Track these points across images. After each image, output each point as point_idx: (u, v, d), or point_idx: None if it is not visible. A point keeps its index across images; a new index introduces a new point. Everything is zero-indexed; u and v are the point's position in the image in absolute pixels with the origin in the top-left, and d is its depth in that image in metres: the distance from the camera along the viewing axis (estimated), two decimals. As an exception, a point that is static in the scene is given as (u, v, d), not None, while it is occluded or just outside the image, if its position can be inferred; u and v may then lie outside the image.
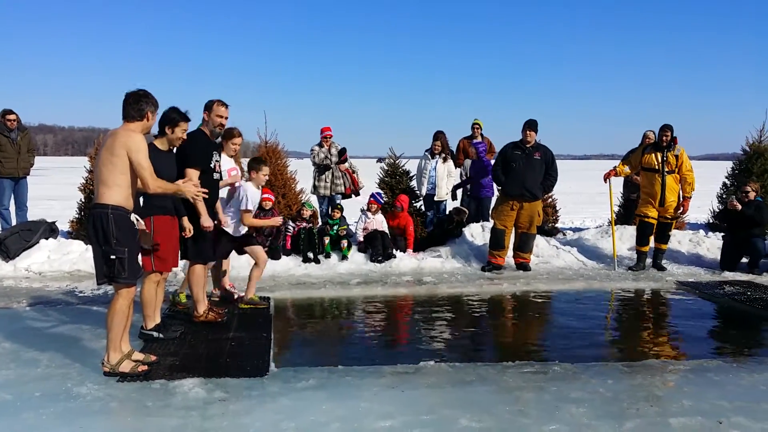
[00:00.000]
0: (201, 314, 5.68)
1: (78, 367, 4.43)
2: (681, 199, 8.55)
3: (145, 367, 4.36)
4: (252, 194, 5.92)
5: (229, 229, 6.00)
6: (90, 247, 8.20)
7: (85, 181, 9.47)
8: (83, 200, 9.41)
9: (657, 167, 8.45)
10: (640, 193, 8.87)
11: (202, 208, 5.31)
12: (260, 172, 6.03)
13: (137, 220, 4.37)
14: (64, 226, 9.62)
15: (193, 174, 5.22)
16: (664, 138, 8.43)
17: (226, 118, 5.67)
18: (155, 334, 5.11)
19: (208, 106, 5.63)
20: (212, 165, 5.56)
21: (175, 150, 5.18)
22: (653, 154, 8.51)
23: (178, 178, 4.92)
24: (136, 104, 4.24)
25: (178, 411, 3.68)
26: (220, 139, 5.86)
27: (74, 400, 3.83)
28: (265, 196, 8.77)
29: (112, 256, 4.15)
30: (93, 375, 4.25)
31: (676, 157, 8.43)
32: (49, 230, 8.84)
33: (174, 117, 4.93)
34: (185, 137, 5.05)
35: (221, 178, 5.79)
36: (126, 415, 3.67)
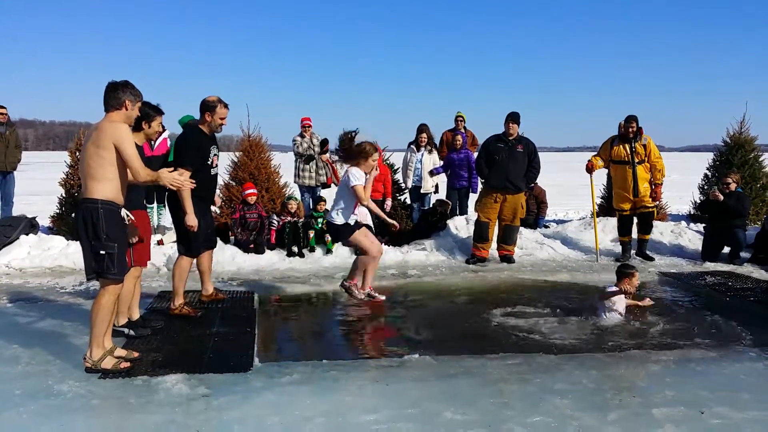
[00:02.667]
0: (176, 307, 5.68)
1: (59, 364, 4.38)
2: (653, 187, 8.62)
3: (128, 364, 4.31)
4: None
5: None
6: (71, 243, 8.20)
7: (66, 176, 9.35)
8: (64, 195, 9.30)
9: (626, 159, 8.52)
10: (613, 186, 8.95)
11: (188, 205, 5.32)
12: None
13: (127, 215, 4.33)
14: (44, 221, 9.50)
15: (185, 174, 5.14)
16: (631, 129, 8.50)
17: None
18: (126, 330, 5.06)
19: (211, 107, 5.55)
20: (209, 161, 5.58)
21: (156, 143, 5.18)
22: (621, 146, 8.59)
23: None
24: (114, 93, 4.19)
25: (161, 407, 3.65)
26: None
27: (55, 397, 3.79)
28: (249, 191, 8.73)
29: (102, 252, 4.11)
30: (75, 372, 4.20)
31: (644, 146, 8.51)
32: (30, 226, 8.73)
33: (149, 112, 4.95)
34: (159, 129, 5.13)
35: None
36: (108, 412, 3.64)
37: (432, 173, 10.18)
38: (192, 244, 5.65)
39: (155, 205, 9.29)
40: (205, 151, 5.55)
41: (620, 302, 5.79)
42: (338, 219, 5.79)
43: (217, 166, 5.72)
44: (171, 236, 8.58)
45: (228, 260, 8.20)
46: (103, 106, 4.23)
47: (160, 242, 8.40)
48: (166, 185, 4.39)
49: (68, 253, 8.08)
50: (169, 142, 9.19)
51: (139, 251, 5.00)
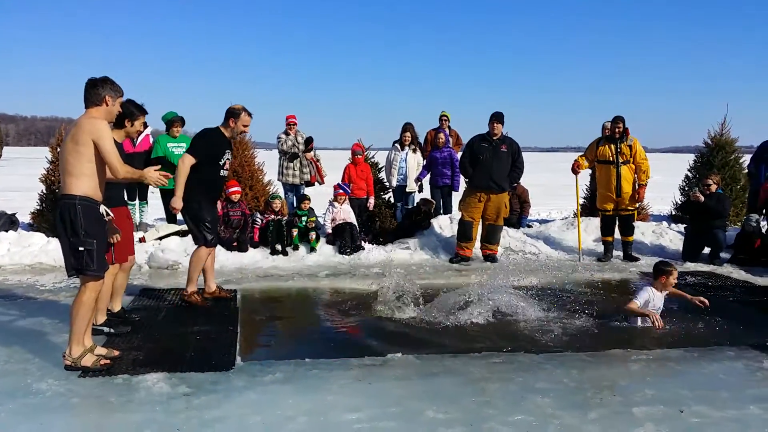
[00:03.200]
0: (188, 294, 6.06)
1: (38, 362, 4.33)
2: (637, 188, 8.69)
3: (108, 362, 4.30)
4: None
5: None
6: (51, 239, 8.11)
7: (46, 172, 9.24)
8: (45, 191, 9.20)
9: (611, 159, 8.59)
10: (597, 186, 9.01)
11: (181, 189, 5.73)
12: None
13: (106, 212, 4.29)
14: (24, 218, 9.39)
15: (187, 159, 5.73)
16: (617, 129, 8.57)
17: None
18: (105, 329, 5.05)
19: (236, 114, 5.92)
20: (221, 162, 5.94)
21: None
22: (607, 146, 8.66)
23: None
24: (94, 89, 4.16)
25: (141, 406, 3.63)
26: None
27: (34, 396, 3.75)
28: (232, 189, 8.69)
29: (81, 248, 4.09)
30: (54, 370, 4.16)
31: (630, 147, 8.59)
32: (9, 222, 8.63)
33: (133, 111, 5.01)
34: (142, 130, 5.64)
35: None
36: (88, 411, 3.61)
37: (417, 180, 10.22)
38: (208, 235, 6.03)
39: (137, 201, 9.22)
40: (219, 152, 5.92)
41: (656, 298, 5.68)
42: None
43: (227, 169, 6.12)
44: (153, 233, 8.52)
45: (230, 257, 8.16)
46: (84, 102, 4.20)
47: (142, 239, 8.33)
48: (151, 184, 4.40)
49: (48, 250, 7.99)
50: (151, 139, 9.13)
51: (120, 247, 5.00)
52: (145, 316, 5.55)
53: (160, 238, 8.43)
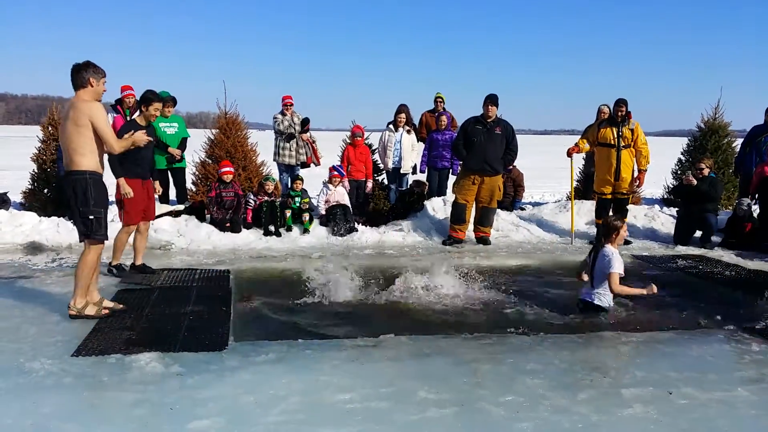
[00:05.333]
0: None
1: (31, 341, 4.34)
2: (636, 173, 8.71)
3: (108, 311, 4.94)
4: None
5: None
6: (43, 219, 8.09)
7: (38, 151, 9.19)
8: (36, 171, 9.14)
9: (612, 142, 8.59)
10: (596, 169, 9.01)
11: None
12: None
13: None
14: (16, 197, 9.34)
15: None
16: (619, 112, 8.56)
17: None
18: (114, 270, 6.36)
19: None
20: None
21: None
22: (609, 129, 8.65)
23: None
24: (78, 74, 4.75)
25: (134, 386, 3.64)
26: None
27: (26, 375, 3.76)
28: (225, 169, 8.66)
29: (91, 216, 4.78)
30: (46, 350, 4.17)
31: (632, 131, 8.59)
32: (1, 201, 8.58)
33: (148, 97, 6.10)
34: (158, 114, 6.30)
35: None
36: (81, 390, 3.61)
37: (415, 168, 10.24)
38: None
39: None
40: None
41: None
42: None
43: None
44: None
45: (204, 239, 8.15)
46: (72, 86, 4.79)
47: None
48: (140, 144, 5.21)
49: (41, 229, 7.96)
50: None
51: (128, 212, 6.18)
52: (137, 296, 5.55)
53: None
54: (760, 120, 9.63)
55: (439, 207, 9.58)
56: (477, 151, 8.33)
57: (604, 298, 5.42)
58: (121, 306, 5.13)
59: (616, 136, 8.57)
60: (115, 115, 8.85)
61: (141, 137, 5.15)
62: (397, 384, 3.73)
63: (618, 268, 5.38)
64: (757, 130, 9.61)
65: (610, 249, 5.50)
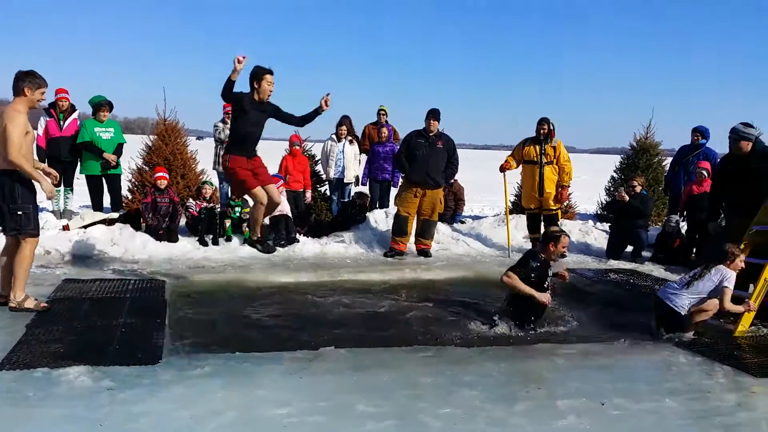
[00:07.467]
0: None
1: (-51, 355, 4.10)
2: (560, 189, 8.95)
3: (47, 305, 5.20)
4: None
5: None
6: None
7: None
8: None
9: (535, 159, 8.84)
10: (522, 185, 9.26)
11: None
12: None
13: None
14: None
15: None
16: (542, 130, 8.81)
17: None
18: (259, 246, 6.65)
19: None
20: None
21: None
22: (532, 147, 8.90)
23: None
24: (16, 82, 4.96)
25: (62, 401, 3.48)
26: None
27: (-56, 391, 3.55)
28: (159, 174, 8.45)
29: (19, 212, 5.00)
30: (-34, 364, 3.95)
31: (554, 148, 8.84)
32: None
33: (258, 71, 5.81)
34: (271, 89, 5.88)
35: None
36: (4, 406, 3.42)
37: (357, 179, 10.26)
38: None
39: (62, 188, 8.86)
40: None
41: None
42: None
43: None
44: (78, 221, 8.21)
45: (139, 248, 7.90)
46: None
47: (66, 228, 8.01)
48: (44, 191, 5.20)
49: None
50: (78, 123, 8.80)
51: (257, 174, 6.13)
52: (67, 307, 5.34)
53: (85, 227, 8.11)
54: (688, 140, 10.07)
55: (381, 219, 9.61)
56: (419, 164, 8.41)
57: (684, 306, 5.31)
58: (45, 305, 5.25)
59: (539, 153, 8.82)
60: (47, 119, 8.54)
61: (46, 186, 5.15)
62: (336, 397, 3.70)
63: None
64: (685, 149, 10.04)
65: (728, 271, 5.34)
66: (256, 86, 5.84)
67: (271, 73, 5.85)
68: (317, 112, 6.19)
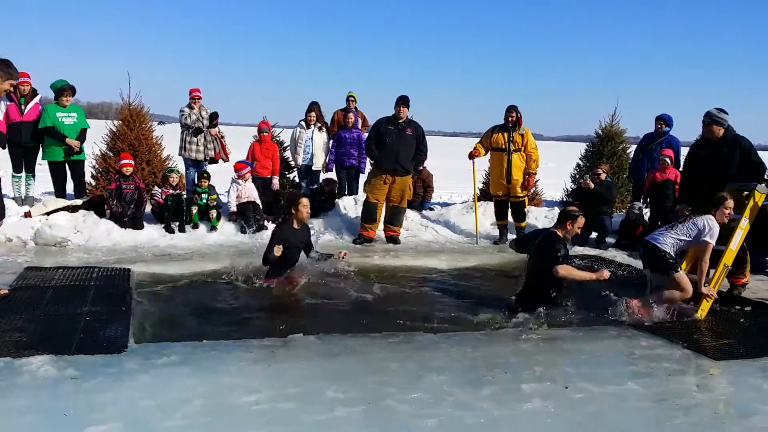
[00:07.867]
0: None
1: None
2: (527, 176, 9.05)
3: (5, 291, 5.13)
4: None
5: None
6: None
7: None
8: None
9: (504, 146, 8.91)
10: (490, 173, 9.32)
11: None
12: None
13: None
14: None
15: None
16: (510, 118, 8.88)
17: None
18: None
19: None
20: None
21: None
22: (500, 134, 8.96)
23: None
24: None
25: (25, 391, 3.42)
26: None
27: None
28: (124, 161, 8.31)
29: None
30: (-76, 354, 3.85)
31: (522, 136, 8.92)
32: None
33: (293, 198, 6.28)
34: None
35: None
36: (-37, 397, 3.37)
37: (325, 166, 10.22)
38: None
39: (23, 174, 8.66)
40: None
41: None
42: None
43: None
44: (40, 208, 8.04)
45: (103, 235, 7.78)
46: None
47: (27, 214, 7.84)
48: None
49: None
50: (40, 107, 8.60)
51: None
52: (30, 296, 5.24)
53: (48, 214, 7.95)
54: (651, 128, 10.24)
55: (350, 206, 9.61)
56: (389, 151, 8.42)
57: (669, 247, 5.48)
58: (4, 291, 5.21)
59: (507, 140, 8.89)
60: (8, 103, 8.32)
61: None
62: (305, 384, 3.70)
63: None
64: (649, 137, 10.21)
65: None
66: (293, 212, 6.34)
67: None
68: (330, 259, 6.59)
